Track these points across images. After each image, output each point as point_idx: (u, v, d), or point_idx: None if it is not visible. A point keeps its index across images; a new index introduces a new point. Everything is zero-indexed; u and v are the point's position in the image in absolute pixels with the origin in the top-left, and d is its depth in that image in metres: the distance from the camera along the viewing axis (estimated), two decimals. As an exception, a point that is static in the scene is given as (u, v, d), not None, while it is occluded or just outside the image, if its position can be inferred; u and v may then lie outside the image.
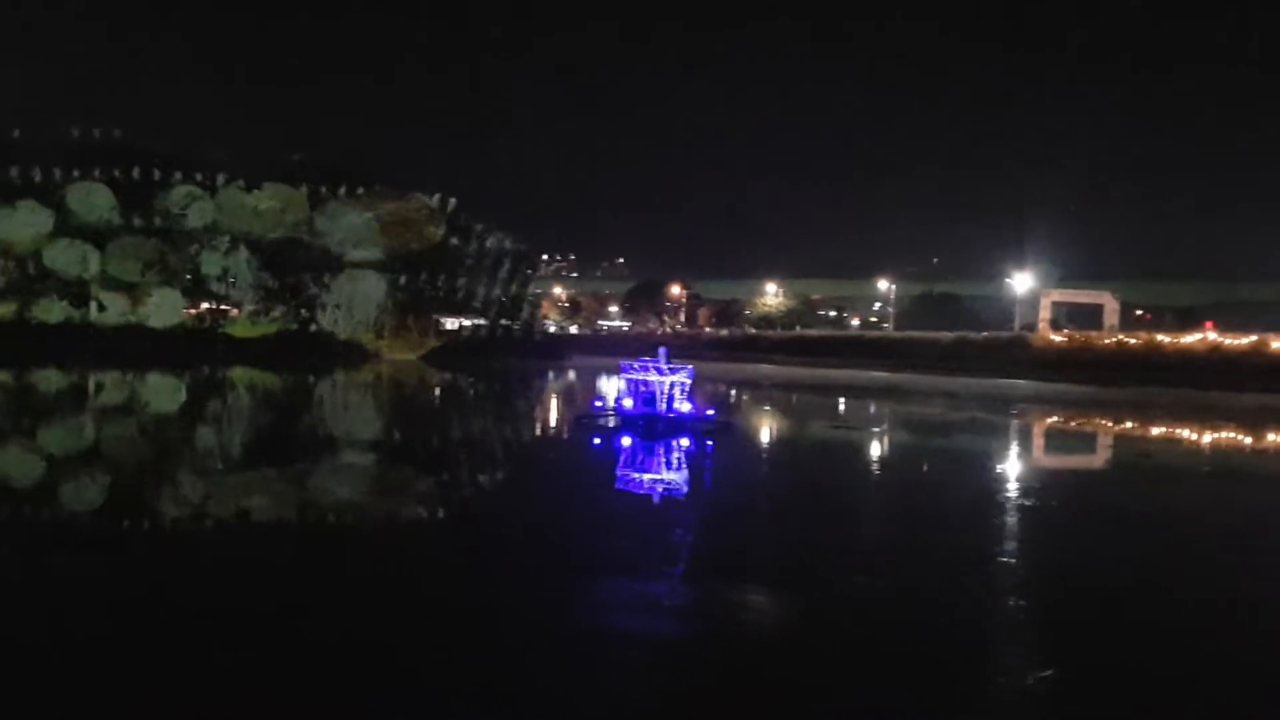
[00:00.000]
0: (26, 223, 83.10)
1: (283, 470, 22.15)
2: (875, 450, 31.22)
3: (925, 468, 27.13)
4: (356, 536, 15.36)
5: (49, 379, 50.66)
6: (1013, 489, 22.42)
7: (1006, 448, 34.18)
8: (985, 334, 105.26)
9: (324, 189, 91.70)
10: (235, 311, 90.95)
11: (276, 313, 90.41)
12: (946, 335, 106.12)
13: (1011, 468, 27.23)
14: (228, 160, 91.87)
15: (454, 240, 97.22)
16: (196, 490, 19.25)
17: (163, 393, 47.44)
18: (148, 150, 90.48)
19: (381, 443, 29.92)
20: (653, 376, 29.16)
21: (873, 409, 50.00)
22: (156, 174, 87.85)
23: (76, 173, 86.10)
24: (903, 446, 33.59)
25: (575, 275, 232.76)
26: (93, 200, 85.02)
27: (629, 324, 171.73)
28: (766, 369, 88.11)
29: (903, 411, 48.73)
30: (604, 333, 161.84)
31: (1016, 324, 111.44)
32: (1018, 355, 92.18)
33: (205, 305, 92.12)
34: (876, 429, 39.52)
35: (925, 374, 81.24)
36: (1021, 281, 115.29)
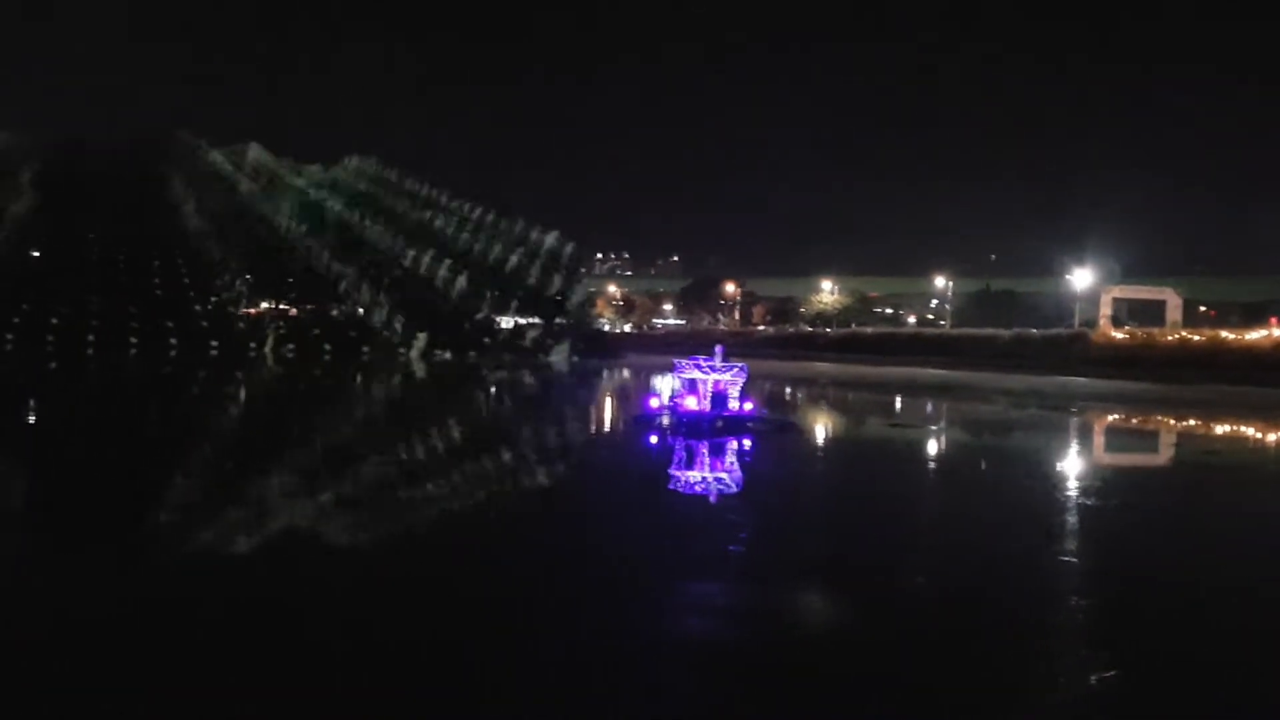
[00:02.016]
0: None
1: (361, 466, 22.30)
2: (938, 449, 30.92)
3: (984, 465, 26.85)
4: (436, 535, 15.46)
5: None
6: (1077, 488, 22.09)
7: (1070, 446, 33.71)
8: (1045, 331, 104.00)
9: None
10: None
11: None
12: (1004, 332, 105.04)
13: (1075, 466, 26.83)
14: None
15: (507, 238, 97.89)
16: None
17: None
18: None
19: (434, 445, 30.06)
20: (707, 375, 29.06)
21: (931, 407, 49.54)
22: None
23: None
24: (965, 445, 33.16)
25: (629, 274, 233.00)
26: None
27: (683, 322, 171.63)
28: (822, 367, 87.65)
29: (963, 409, 48.24)
30: (658, 331, 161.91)
31: (1076, 321, 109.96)
32: (1078, 352, 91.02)
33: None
34: (936, 427, 39.17)
35: (983, 371, 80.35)
36: (1081, 278, 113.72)
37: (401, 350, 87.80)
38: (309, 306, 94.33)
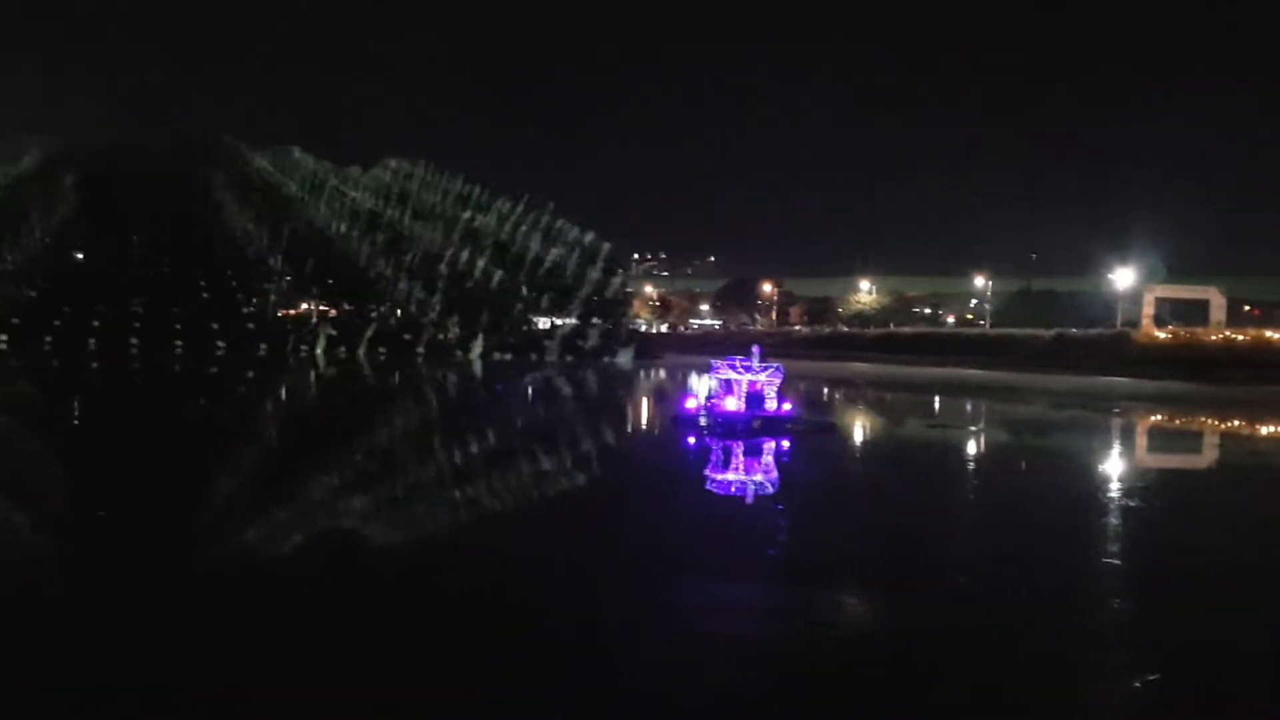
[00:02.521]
0: None
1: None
2: (980, 450, 30.56)
3: (1024, 465, 26.58)
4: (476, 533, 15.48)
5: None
6: (1121, 489, 21.81)
7: (1114, 447, 33.30)
8: (1086, 331, 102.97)
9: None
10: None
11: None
12: (1045, 332, 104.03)
13: (1119, 467, 26.49)
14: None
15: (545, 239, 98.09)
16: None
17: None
18: None
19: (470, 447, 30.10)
20: (743, 375, 28.93)
21: (969, 407, 49.08)
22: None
23: None
24: (1007, 447, 32.65)
25: (666, 274, 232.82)
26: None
27: (720, 322, 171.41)
28: (860, 367, 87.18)
29: (1004, 410, 47.77)
30: (694, 331, 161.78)
31: (1119, 321, 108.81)
32: (1120, 352, 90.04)
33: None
34: (975, 428, 38.79)
35: (1024, 372, 79.62)
36: (1123, 277, 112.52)
37: (458, 351, 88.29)
38: (349, 307, 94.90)
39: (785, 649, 9.94)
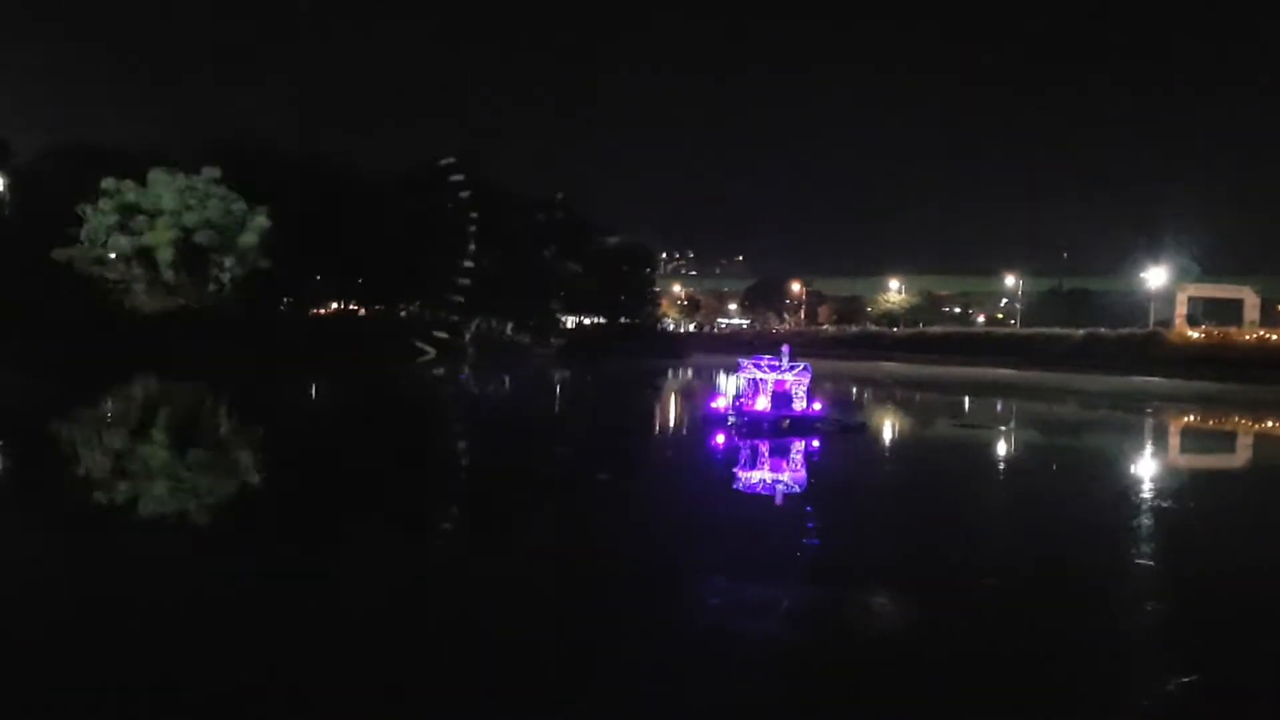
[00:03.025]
0: None
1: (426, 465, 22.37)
2: (1011, 451, 30.27)
3: (1056, 466, 26.30)
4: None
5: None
6: (1154, 491, 21.54)
7: (1147, 448, 32.95)
8: (1118, 330, 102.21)
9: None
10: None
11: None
12: (1077, 332, 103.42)
13: (1151, 468, 26.19)
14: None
15: (573, 237, 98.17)
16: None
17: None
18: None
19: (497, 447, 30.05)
20: (771, 375, 28.80)
21: (1000, 407, 48.74)
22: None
23: None
24: (1039, 447, 32.26)
25: (694, 273, 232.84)
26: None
27: (748, 322, 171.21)
28: (890, 366, 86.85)
29: (1034, 410, 47.39)
30: (723, 331, 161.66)
31: (1151, 320, 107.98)
32: (1152, 352, 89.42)
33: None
34: (1005, 428, 38.48)
35: (1055, 371, 79.12)
36: (1156, 276, 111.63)
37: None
38: (379, 307, 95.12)
39: (813, 649, 9.83)
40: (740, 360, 30.68)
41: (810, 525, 16.15)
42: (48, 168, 75.90)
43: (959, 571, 13.22)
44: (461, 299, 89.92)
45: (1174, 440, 35.97)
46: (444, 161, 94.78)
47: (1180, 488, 22.25)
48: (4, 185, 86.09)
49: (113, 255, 70.02)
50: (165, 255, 69.19)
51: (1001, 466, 26.38)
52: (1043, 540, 15.59)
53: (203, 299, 70.56)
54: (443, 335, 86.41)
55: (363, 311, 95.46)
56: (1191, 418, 44.20)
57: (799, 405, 28.68)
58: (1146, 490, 21.63)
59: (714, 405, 31.10)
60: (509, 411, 41.25)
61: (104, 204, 69.71)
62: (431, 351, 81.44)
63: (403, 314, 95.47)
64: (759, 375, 28.85)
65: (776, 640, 10.03)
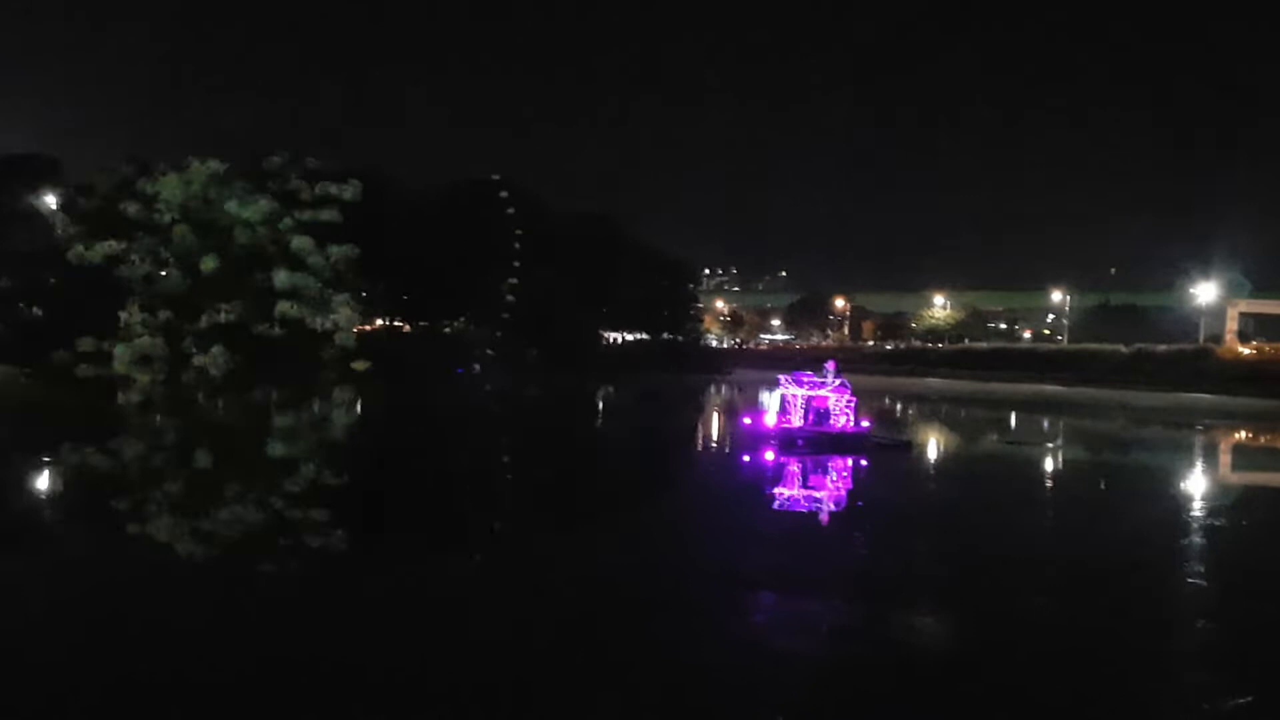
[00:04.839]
0: None
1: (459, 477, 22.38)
2: (1060, 470, 29.82)
3: (1103, 485, 25.93)
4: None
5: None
6: (1205, 510, 21.18)
7: (1198, 466, 32.42)
8: (1167, 346, 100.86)
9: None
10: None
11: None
12: (1124, 348, 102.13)
13: (1203, 487, 25.76)
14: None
15: (616, 254, 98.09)
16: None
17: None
18: None
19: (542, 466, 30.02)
20: (813, 391, 28.61)
21: (1047, 424, 48.15)
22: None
23: None
24: (1088, 466, 31.69)
25: (737, 289, 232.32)
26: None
27: (790, 337, 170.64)
28: (934, 383, 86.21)
29: (1083, 427, 46.73)
30: (765, 347, 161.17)
31: (1201, 336, 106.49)
32: (1202, 368, 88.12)
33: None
34: (1051, 445, 37.96)
35: (1102, 388, 78.18)
36: (1206, 291, 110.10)
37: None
38: (422, 324, 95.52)
39: (849, 668, 9.73)
40: (779, 377, 30.47)
41: (824, 556, 15.87)
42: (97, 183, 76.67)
43: (993, 591, 13.06)
44: (507, 315, 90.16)
45: (1224, 459, 35.35)
46: (492, 178, 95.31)
47: (1229, 507, 21.86)
48: (56, 203, 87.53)
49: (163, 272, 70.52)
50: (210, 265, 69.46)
51: (1049, 485, 26.03)
52: (1101, 564, 15.34)
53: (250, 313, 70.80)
54: (491, 353, 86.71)
55: (407, 328, 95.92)
56: (1245, 434, 43.46)
57: (840, 422, 28.44)
58: (1195, 510, 21.28)
59: (751, 422, 30.92)
60: (559, 430, 41.26)
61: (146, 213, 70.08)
62: (478, 369, 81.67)
63: (446, 330, 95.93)
64: (798, 392, 28.68)
65: (801, 649, 9.97)
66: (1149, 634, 11.36)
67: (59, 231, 77.14)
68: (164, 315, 62.43)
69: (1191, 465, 32.39)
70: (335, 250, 69.27)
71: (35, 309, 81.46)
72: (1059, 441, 39.82)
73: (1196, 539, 17.31)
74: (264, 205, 68.48)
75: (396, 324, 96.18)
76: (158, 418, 37.12)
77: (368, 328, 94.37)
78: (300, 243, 68.01)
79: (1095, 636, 11.01)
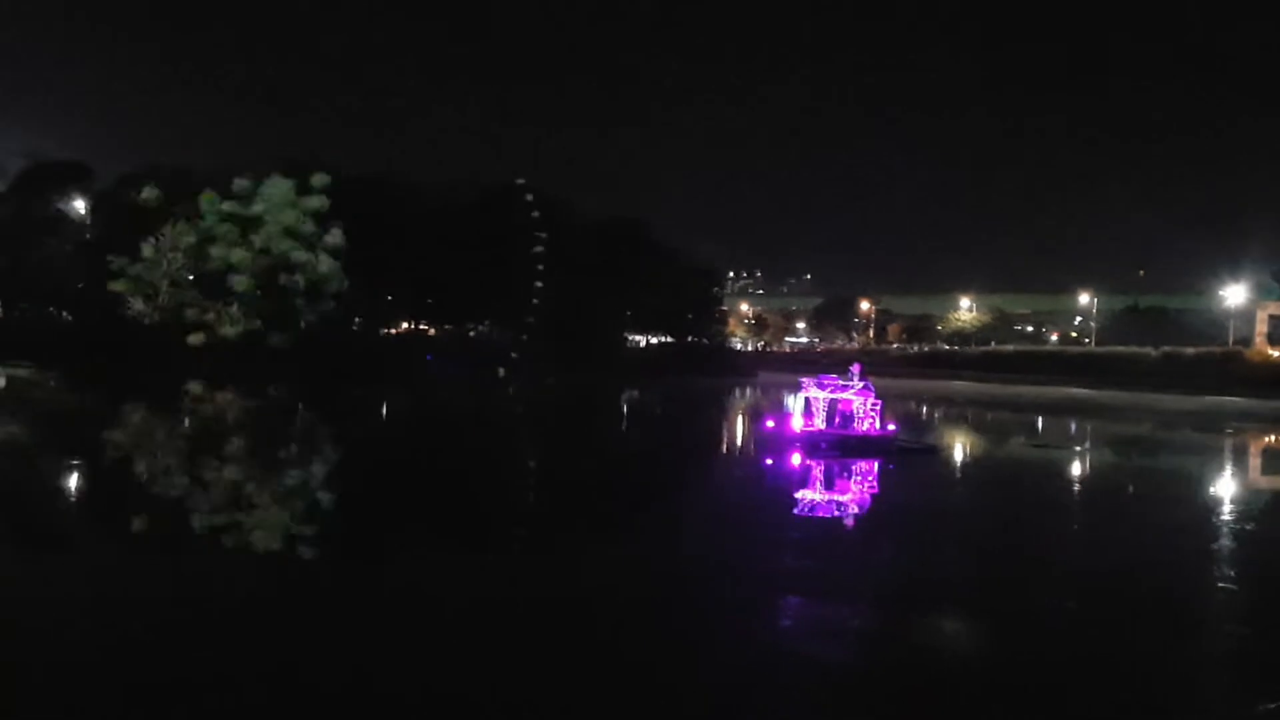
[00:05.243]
0: None
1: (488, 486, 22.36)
2: (1089, 474, 29.52)
3: (1132, 489, 25.72)
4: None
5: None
6: (1236, 514, 20.98)
7: (1228, 470, 32.10)
8: (1196, 349, 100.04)
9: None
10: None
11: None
12: (1152, 351, 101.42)
13: (1232, 490, 25.50)
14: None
15: (641, 257, 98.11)
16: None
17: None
18: None
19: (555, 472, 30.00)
20: (836, 395, 28.48)
21: (1074, 427, 47.78)
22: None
23: None
24: (1119, 470, 31.34)
25: (761, 292, 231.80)
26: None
27: (815, 340, 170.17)
28: (960, 385, 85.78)
29: (1112, 431, 46.26)
30: (790, 350, 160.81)
31: (1230, 339, 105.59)
32: (1232, 371, 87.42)
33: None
34: (1080, 448, 37.63)
35: (1131, 391, 77.59)
36: (1235, 294, 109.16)
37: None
38: (448, 327, 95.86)
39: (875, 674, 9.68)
40: (801, 380, 30.37)
41: (831, 560, 15.77)
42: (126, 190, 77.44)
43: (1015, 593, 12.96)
44: (532, 319, 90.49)
45: (1253, 462, 34.99)
46: (517, 182, 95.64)
47: (1261, 510, 21.65)
48: (85, 208, 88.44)
49: (191, 277, 71.31)
50: (245, 277, 70.24)
51: (1077, 489, 25.80)
52: (1134, 572, 15.21)
53: (282, 321, 71.37)
54: (515, 355, 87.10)
55: (432, 331, 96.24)
56: (1272, 439, 43.00)
57: (864, 425, 28.28)
58: (1229, 514, 21.08)
59: (774, 425, 30.80)
60: (580, 434, 41.23)
61: (181, 226, 70.90)
62: (502, 371, 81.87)
63: (471, 334, 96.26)
64: (820, 395, 28.56)
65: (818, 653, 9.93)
66: (1192, 641, 11.24)
67: (87, 236, 78.17)
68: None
69: (1222, 470, 32.07)
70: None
71: (65, 314, 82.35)
72: (1086, 445, 39.48)
73: (1228, 543, 17.13)
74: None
75: (422, 326, 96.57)
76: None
77: (393, 330, 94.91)
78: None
79: (1123, 641, 10.92)
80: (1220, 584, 14.00)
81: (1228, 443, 40.91)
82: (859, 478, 24.15)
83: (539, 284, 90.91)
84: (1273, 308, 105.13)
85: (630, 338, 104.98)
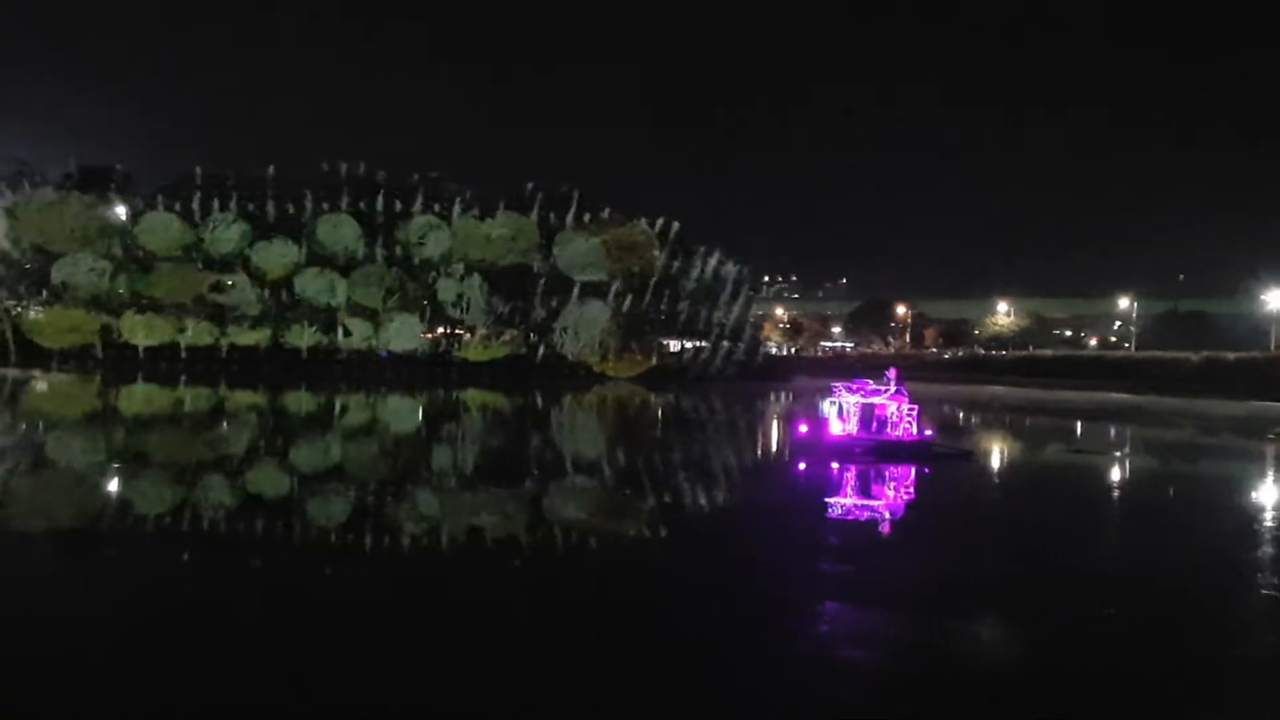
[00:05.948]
0: (280, 254, 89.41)
1: (511, 490, 22.42)
2: (1126, 480, 29.22)
3: (1173, 493, 25.41)
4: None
5: (299, 400, 53.57)
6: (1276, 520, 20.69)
7: (1271, 476, 31.67)
8: (1238, 354, 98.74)
9: (552, 216, 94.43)
10: (468, 336, 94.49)
11: (507, 336, 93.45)
12: (1193, 355, 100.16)
13: (1275, 497, 25.15)
14: (461, 190, 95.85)
15: (676, 263, 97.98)
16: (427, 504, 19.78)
17: (401, 414, 49.36)
18: (390, 182, 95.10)
19: (595, 472, 30.03)
20: (869, 399, 28.29)
21: (1114, 432, 47.23)
22: (397, 205, 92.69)
23: (325, 206, 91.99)
24: (1160, 476, 30.94)
25: (796, 296, 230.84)
26: (339, 232, 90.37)
27: (852, 345, 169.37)
28: (998, 390, 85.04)
29: (1151, 436, 45.71)
30: (826, 354, 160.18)
31: (1272, 343, 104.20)
32: (1274, 376, 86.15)
33: (441, 330, 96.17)
34: (1119, 454, 37.18)
35: (1172, 396, 76.67)
36: (1277, 299, 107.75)
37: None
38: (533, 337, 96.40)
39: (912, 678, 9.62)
40: (833, 384, 30.23)
41: (867, 565, 15.67)
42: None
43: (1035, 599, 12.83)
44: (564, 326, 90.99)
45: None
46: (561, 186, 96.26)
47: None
48: (128, 215, 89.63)
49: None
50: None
51: (1117, 495, 25.52)
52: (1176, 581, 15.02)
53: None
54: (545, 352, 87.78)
55: (467, 336, 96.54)
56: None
57: (899, 430, 28.10)
58: (1274, 521, 20.80)
59: (809, 430, 30.63)
60: (614, 438, 41.24)
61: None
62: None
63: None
64: (854, 400, 28.39)
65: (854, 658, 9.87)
66: (1239, 649, 11.11)
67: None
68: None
69: (1264, 475, 31.62)
70: None
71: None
72: (1126, 450, 38.97)
73: (1271, 550, 16.90)
74: None
75: (457, 332, 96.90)
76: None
77: (428, 335, 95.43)
78: None
79: (1168, 649, 10.81)
80: (1264, 590, 13.82)
81: (1271, 449, 40.32)
82: (894, 483, 24.01)
83: (572, 292, 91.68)
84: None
85: (666, 343, 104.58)
